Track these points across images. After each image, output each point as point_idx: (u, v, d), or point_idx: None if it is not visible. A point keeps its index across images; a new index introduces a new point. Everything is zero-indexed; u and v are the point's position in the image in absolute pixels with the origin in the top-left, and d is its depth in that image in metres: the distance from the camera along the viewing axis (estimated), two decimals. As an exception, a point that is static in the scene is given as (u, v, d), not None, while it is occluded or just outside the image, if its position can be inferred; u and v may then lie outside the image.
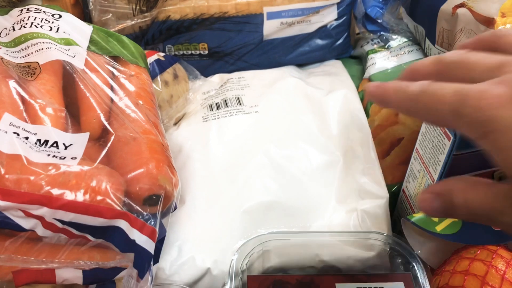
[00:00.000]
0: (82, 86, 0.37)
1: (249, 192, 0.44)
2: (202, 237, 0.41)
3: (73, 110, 0.36)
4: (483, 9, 0.41)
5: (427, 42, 0.50)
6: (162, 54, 0.53)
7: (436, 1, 0.47)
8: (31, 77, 0.37)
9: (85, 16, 0.56)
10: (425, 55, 0.52)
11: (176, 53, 0.59)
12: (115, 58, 0.43)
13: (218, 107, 0.51)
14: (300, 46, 0.59)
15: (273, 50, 0.59)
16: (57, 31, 0.42)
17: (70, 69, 0.38)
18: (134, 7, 0.55)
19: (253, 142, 0.47)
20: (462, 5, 0.43)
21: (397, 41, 0.55)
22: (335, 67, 0.59)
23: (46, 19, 0.42)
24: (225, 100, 0.52)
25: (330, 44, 0.59)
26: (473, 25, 0.42)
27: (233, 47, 0.59)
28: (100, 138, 0.35)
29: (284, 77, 0.55)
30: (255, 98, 0.51)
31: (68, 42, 0.41)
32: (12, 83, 0.34)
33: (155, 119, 0.38)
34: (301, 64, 0.61)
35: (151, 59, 0.50)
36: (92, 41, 0.43)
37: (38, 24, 0.41)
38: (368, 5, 0.55)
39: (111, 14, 0.55)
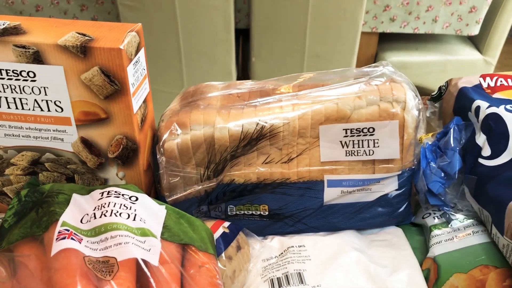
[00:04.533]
0: (155, 286, 0.38)
1: None
2: None
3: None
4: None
5: (494, 229, 0.49)
6: (226, 224, 0.55)
7: (504, 195, 0.47)
8: (109, 275, 0.39)
9: (155, 178, 0.59)
10: (492, 240, 0.51)
11: (238, 212, 0.60)
12: (186, 246, 0.44)
13: (279, 284, 0.51)
14: (360, 212, 0.59)
15: (333, 215, 0.60)
16: (134, 219, 0.44)
17: (145, 266, 0.39)
18: (202, 172, 0.58)
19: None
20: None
21: (461, 219, 0.54)
22: (397, 236, 0.58)
23: (124, 205, 0.45)
24: (286, 276, 0.52)
25: (391, 212, 0.59)
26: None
27: (294, 210, 0.60)
28: None
29: (345, 250, 0.54)
30: (317, 275, 0.51)
31: (144, 233, 0.43)
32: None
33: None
34: (361, 228, 0.61)
35: (217, 234, 0.52)
36: (165, 226, 0.45)
37: (117, 211, 0.44)
38: (429, 180, 0.56)
39: (179, 178, 0.58)
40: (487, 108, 0.53)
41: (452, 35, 2.08)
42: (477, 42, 2.06)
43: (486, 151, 0.52)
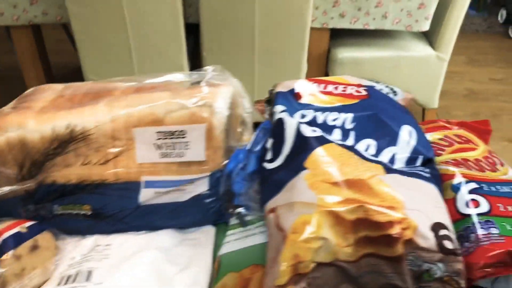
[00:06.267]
0: None
1: None
2: None
3: None
4: (283, 220, 0.43)
5: (268, 230, 0.51)
6: (27, 225, 0.57)
7: (265, 198, 0.49)
8: None
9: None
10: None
11: (63, 212, 0.62)
12: None
13: (67, 281, 0.53)
14: (175, 212, 0.61)
15: (150, 215, 0.61)
16: None
17: None
18: (17, 173, 0.60)
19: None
20: (273, 210, 0.45)
21: (253, 220, 0.56)
22: (207, 235, 0.60)
23: None
24: (76, 273, 0.54)
25: (204, 212, 0.61)
26: (275, 232, 0.43)
27: (113, 210, 0.62)
28: None
29: (146, 249, 0.56)
30: (105, 273, 0.53)
31: None
32: None
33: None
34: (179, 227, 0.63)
35: (7, 234, 0.53)
36: None
37: None
38: (234, 181, 0.58)
39: (-2, 178, 0.60)
40: (280, 113, 0.55)
41: (406, 31, 2.08)
42: (430, 38, 2.06)
43: (269, 154, 0.53)
